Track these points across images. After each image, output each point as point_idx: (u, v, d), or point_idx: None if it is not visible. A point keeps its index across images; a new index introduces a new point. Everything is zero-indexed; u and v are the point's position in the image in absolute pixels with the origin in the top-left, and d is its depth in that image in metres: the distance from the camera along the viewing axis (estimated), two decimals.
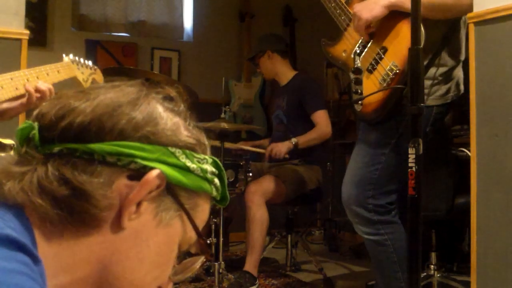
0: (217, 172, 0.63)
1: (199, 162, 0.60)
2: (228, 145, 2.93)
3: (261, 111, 4.52)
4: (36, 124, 0.56)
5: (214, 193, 0.63)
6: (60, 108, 0.56)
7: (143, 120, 0.57)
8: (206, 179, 0.61)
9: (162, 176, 0.56)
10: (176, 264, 0.64)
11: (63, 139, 0.55)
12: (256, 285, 2.72)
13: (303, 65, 4.46)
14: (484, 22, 1.75)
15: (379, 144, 1.91)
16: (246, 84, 4.49)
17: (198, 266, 0.66)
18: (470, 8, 1.78)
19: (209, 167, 0.62)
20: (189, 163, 0.59)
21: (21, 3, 2.12)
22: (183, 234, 0.61)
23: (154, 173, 0.56)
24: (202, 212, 0.63)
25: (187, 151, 0.59)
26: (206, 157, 0.62)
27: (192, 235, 0.62)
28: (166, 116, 0.59)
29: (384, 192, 1.91)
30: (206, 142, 0.64)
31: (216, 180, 0.63)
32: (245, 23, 4.51)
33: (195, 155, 0.60)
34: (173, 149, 0.58)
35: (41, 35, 3.79)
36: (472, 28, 1.78)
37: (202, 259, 0.67)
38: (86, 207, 0.54)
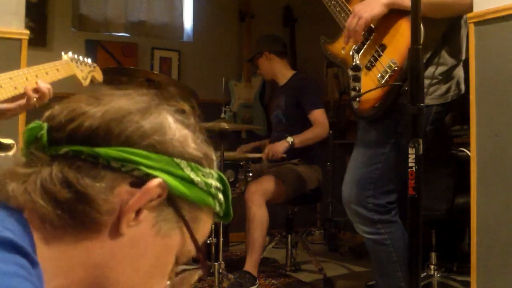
0: (222, 187, 0.63)
1: (204, 176, 0.60)
2: (228, 155, 2.93)
3: (261, 111, 4.52)
4: (45, 125, 0.56)
5: (217, 208, 0.63)
6: (71, 111, 0.57)
7: (151, 129, 0.57)
8: (210, 194, 0.61)
9: (164, 185, 0.56)
10: (174, 277, 0.63)
11: (70, 141, 0.55)
12: (256, 285, 2.72)
13: (303, 65, 4.45)
14: (484, 22, 1.75)
15: (378, 144, 1.92)
16: (246, 84, 4.49)
17: (195, 279, 0.66)
18: (470, 8, 1.78)
19: (214, 182, 0.61)
20: (193, 176, 0.59)
21: (21, 3, 2.12)
22: (182, 247, 0.60)
23: (155, 181, 0.55)
24: (203, 227, 0.62)
25: (193, 164, 0.59)
26: (212, 171, 0.62)
27: (191, 248, 0.61)
28: (175, 127, 0.59)
29: (384, 191, 1.91)
30: (214, 157, 0.63)
31: (220, 196, 0.63)
32: (245, 23, 4.51)
33: (201, 168, 0.60)
34: (178, 160, 0.58)
35: (41, 35, 3.79)
36: (472, 28, 1.78)
37: (199, 272, 0.66)
38: (87, 210, 0.54)
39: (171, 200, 0.57)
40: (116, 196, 0.55)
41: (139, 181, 0.55)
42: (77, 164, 0.54)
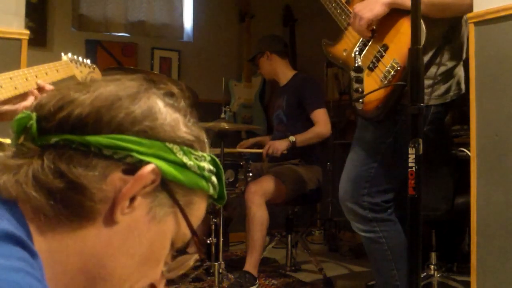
0: (214, 170, 0.63)
1: (196, 159, 0.60)
2: (227, 150, 2.93)
3: (261, 111, 4.52)
4: (34, 115, 0.55)
5: (211, 191, 0.62)
6: (59, 99, 0.56)
7: (141, 114, 0.56)
8: (203, 177, 0.60)
9: (157, 171, 0.56)
10: (170, 261, 0.63)
11: (60, 130, 0.54)
12: (256, 285, 2.72)
13: (303, 65, 4.45)
14: (484, 22, 1.74)
15: (375, 143, 1.92)
16: (246, 84, 4.49)
17: (191, 264, 0.66)
18: (470, 8, 1.78)
19: (206, 165, 0.61)
20: (186, 160, 0.58)
21: (21, 3, 2.12)
22: (177, 231, 0.60)
23: (148, 167, 0.55)
24: (198, 210, 0.62)
25: (185, 148, 0.59)
26: (204, 154, 0.62)
27: (186, 232, 0.61)
28: (166, 111, 0.59)
29: (380, 190, 1.91)
30: (206, 140, 0.63)
31: (214, 178, 0.62)
32: (245, 23, 4.51)
33: (193, 152, 0.60)
34: (170, 145, 0.57)
35: (41, 35, 3.79)
36: (472, 28, 1.78)
37: (196, 256, 0.66)
38: (81, 199, 0.53)
39: (164, 185, 0.57)
40: (110, 184, 0.54)
41: (132, 168, 0.55)
42: (68, 153, 0.54)
